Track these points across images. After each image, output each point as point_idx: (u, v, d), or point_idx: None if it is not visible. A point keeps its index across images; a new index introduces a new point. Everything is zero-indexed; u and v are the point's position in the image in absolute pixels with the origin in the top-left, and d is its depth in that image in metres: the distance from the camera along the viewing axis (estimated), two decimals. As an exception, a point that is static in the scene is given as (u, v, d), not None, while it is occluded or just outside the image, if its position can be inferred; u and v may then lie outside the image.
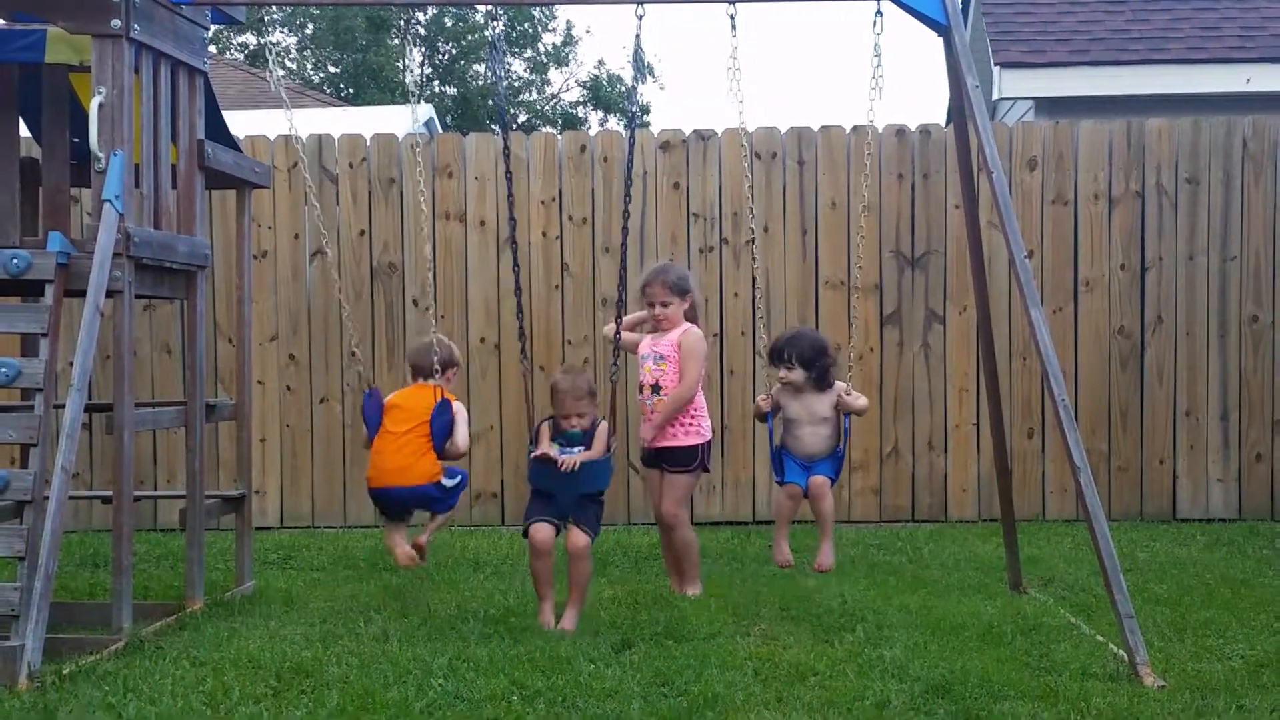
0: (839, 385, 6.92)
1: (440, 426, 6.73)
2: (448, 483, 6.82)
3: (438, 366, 6.79)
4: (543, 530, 6.30)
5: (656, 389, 6.97)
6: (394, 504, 6.81)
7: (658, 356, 7.01)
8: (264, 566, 8.24)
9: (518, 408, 9.84)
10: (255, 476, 9.15)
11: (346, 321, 6.60)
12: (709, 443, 7.09)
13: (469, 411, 9.02)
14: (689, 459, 7.01)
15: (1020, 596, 7.10)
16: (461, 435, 6.84)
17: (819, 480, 6.85)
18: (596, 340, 9.79)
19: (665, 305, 7.05)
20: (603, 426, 6.47)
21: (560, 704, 5.01)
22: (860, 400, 6.95)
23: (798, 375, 6.87)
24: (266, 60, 6.37)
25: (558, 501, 6.35)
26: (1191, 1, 13.39)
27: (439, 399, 6.75)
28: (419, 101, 32.16)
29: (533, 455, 6.44)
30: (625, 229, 6.66)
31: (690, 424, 7.01)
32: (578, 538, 6.31)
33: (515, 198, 6.76)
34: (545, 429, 6.51)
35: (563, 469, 6.31)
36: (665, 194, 9.92)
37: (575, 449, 6.40)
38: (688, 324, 7.10)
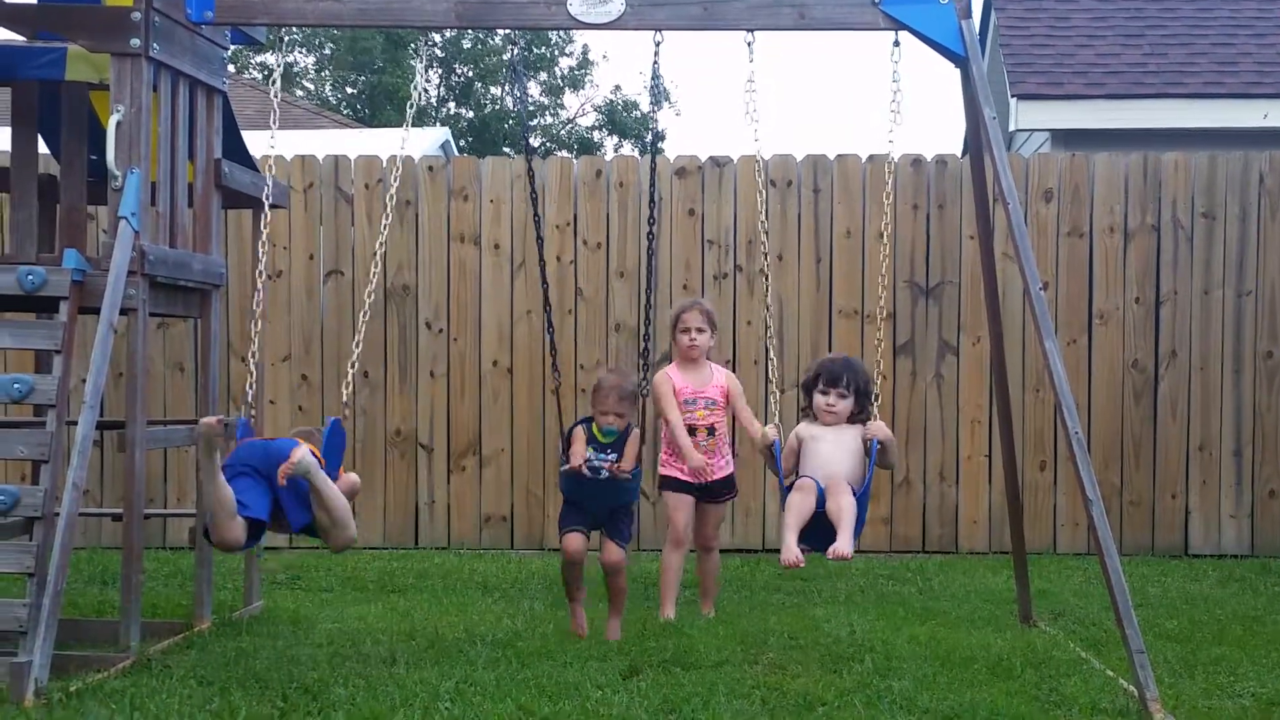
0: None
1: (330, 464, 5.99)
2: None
3: None
4: (576, 540, 6.58)
5: (712, 431, 7.29)
6: (256, 452, 5.86)
7: (709, 401, 7.31)
8: (272, 586, 8.23)
9: (529, 431, 9.86)
10: (265, 496, 9.13)
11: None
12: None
13: (480, 426, 9.06)
14: (731, 487, 7.47)
15: (1030, 630, 7.07)
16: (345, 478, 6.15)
17: (837, 479, 6.26)
18: (609, 366, 9.79)
19: (700, 332, 7.34)
20: (634, 434, 6.63)
21: (567, 730, 5.00)
22: (888, 430, 6.51)
23: (847, 406, 6.49)
24: (275, 80, 6.32)
25: (589, 511, 6.63)
26: (1209, 36, 13.41)
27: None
28: (434, 124, 32.29)
29: (564, 469, 6.60)
30: (652, 252, 6.84)
31: (728, 453, 7.41)
32: (613, 552, 6.62)
33: (529, 221, 6.82)
34: (580, 432, 6.64)
35: (603, 474, 6.51)
36: (680, 220, 9.93)
37: (607, 455, 6.53)
38: (716, 365, 7.51)
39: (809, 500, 6.18)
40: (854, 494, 6.20)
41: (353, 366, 6.24)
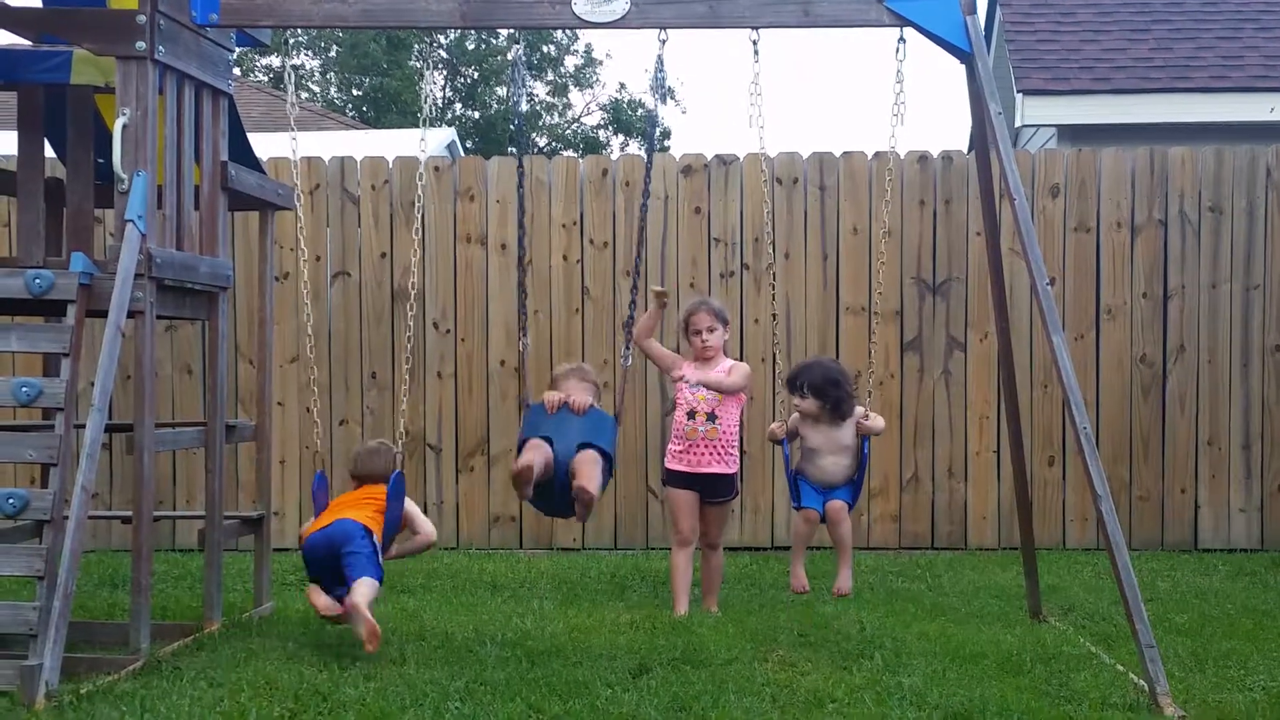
0: (857, 410, 7.30)
1: (392, 512, 6.41)
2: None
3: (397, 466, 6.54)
4: (535, 444, 6.44)
5: (712, 417, 7.22)
6: (319, 547, 6.31)
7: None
8: (282, 588, 8.24)
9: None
10: (274, 498, 9.14)
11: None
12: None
13: (488, 426, 9.05)
14: (733, 486, 7.42)
15: (1040, 625, 7.06)
16: (422, 521, 6.66)
17: (836, 505, 7.24)
18: (616, 364, 9.75)
19: (711, 331, 7.31)
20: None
21: (577, 729, 5.00)
22: (878, 422, 7.35)
23: (811, 405, 7.25)
24: (286, 84, 6.34)
25: (555, 445, 6.46)
26: (1215, 30, 13.39)
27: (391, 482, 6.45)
28: (441, 125, 32.30)
29: (529, 402, 6.81)
30: (641, 242, 7.07)
31: (733, 453, 7.32)
32: (587, 480, 6.33)
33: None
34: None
35: (574, 410, 6.65)
36: (686, 219, 9.93)
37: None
38: (730, 359, 7.48)
39: (813, 529, 7.31)
40: (851, 495, 7.29)
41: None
